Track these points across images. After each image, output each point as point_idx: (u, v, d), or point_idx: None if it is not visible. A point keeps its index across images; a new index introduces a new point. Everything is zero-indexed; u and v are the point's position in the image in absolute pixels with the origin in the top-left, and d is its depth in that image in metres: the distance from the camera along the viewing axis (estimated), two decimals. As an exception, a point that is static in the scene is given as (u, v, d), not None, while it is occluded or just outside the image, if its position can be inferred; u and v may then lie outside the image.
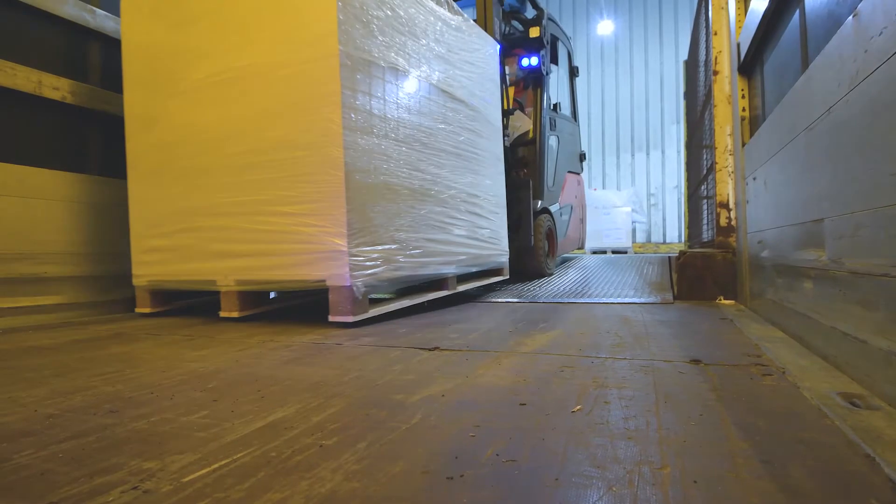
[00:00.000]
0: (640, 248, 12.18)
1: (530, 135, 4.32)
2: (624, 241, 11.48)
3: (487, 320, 2.37)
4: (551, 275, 4.28)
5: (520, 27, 4.73)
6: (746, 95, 2.82)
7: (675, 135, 12.23)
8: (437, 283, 2.89)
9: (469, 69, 3.17)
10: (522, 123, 4.36)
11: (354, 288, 2.13)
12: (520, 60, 4.31)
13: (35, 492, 0.72)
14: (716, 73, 3.13)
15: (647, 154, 12.51)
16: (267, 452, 0.84)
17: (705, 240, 5.54)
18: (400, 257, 2.41)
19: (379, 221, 2.28)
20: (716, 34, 3.12)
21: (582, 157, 5.67)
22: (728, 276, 3.09)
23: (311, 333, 2.06)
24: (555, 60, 4.96)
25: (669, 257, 5.85)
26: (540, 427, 0.93)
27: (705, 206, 5.91)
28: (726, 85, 3.06)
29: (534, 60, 4.22)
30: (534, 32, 4.25)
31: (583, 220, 5.66)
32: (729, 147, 3.13)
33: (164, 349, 1.79)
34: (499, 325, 2.21)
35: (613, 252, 11.55)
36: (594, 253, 11.71)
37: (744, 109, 2.81)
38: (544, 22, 4.42)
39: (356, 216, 2.14)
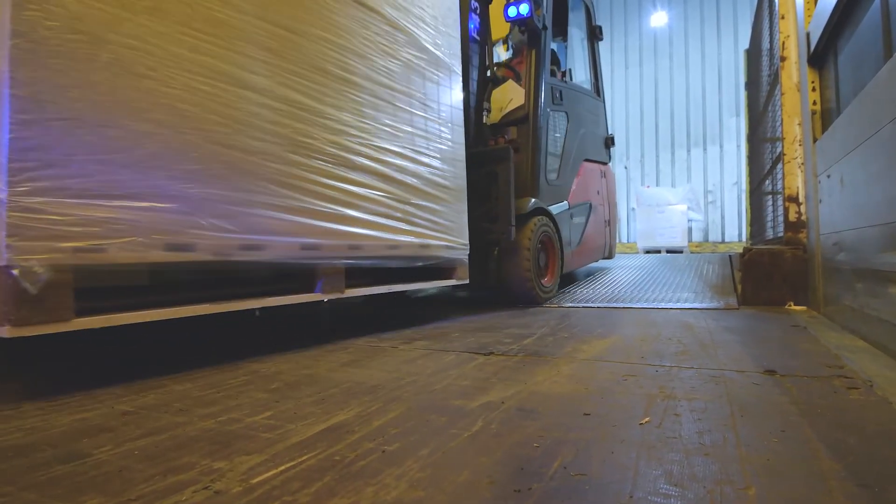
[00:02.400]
0: (696, 247, 11.73)
1: (523, 111, 3.32)
2: (679, 241, 11.08)
3: (541, 324, 2.33)
4: (548, 299, 3.14)
5: None
6: (817, 88, 2.65)
7: (735, 128, 11.70)
8: (307, 275, 1.88)
9: None
10: (516, 97, 3.41)
11: (17, 274, 1.14)
12: (506, 10, 3.16)
13: (113, 488, 0.75)
14: (783, 59, 2.97)
15: (705, 149, 12.03)
16: (331, 456, 0.85)
17: (770, 237, 5.27)
18: (186, 226, 1.44)
19: (98, 152, 1.27)
20: (783, 18, 2.95)
21: (608, 142, 4.51)
22: (798, 274, 2.91)
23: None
24: (561, 16, 3.93)
25: (730, 256, 5.60)
26: (607, 439, 0.90)
27: (770, 202, 5.63)
28: (794, 72, 2.89)
29: (523, 8, 3.09)
30: None
31: (610, 223, 4.50)
32: (798, 137, 2.95)
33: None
34: (553, 330, 2.16)
35: (668, 251, 11.18)
36: (647, 252, 11.37)
37: (814, 103, 2.64)
38: None
39: (39, 132, 1.17)
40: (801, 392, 1.16)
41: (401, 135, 2.12)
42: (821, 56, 2.59)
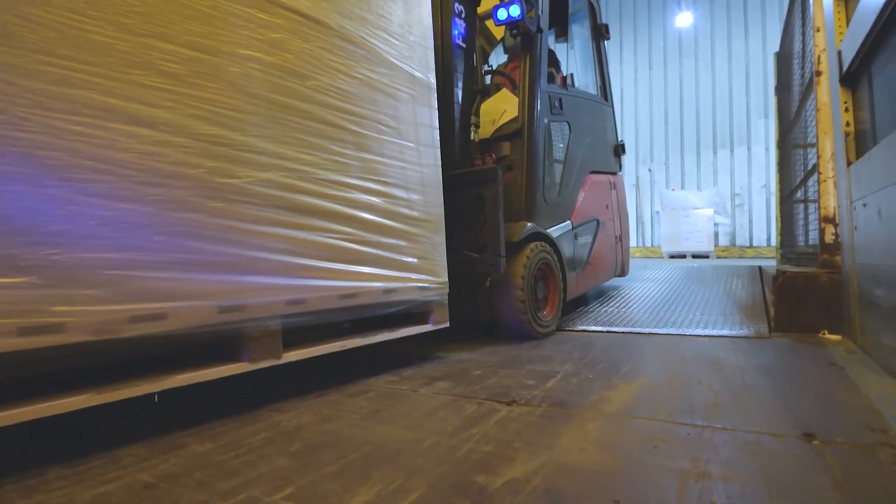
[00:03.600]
0: (723, 251, 11.48)
1: (517, 124, 2.96)
2: (705, 245, 10.86)
3: (563, 357, 2.28)
4: (547, 334, 2.81)
5: None
6: (850, 108, 2.54)
7: (763, 130, 11.40)
8: (230, 341, 1.53)
9: None
10: (510, 108, 3.09)
11: None
12: (495, 12, 2.82)
13: None
14: (818, 73, 2.85)
15: (732, 151, 11.75)
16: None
17: (800, 246, 5.10)
18: (49, 301, 1.16)
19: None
20: (818, 31, 2.84)
21: (618, 150, 4.15)
22: (834, 299, 2.80)
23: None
24: (561, 15, 3.55)
25: (760, 268, 5.45)
26: (639, 539, 0.85)
27: (800, 211, 5.45)
28: (830, 88, 2.79)
29: (513, 10, 2.73)
30: None
31: (621, 238, 4.12)
32: (834, 155, 2.83)
33: (248, 390, 1.85)
34: (577, 367, 2.11)
35: (694, 256, 10.96)
36: (672, 257, 11.17)
37: (847, 124, 2.53)
38: None
39: None
40: (843, 468, 1.09)
41: (356, 164, 1.76)
42: (854, 76, 2.48)
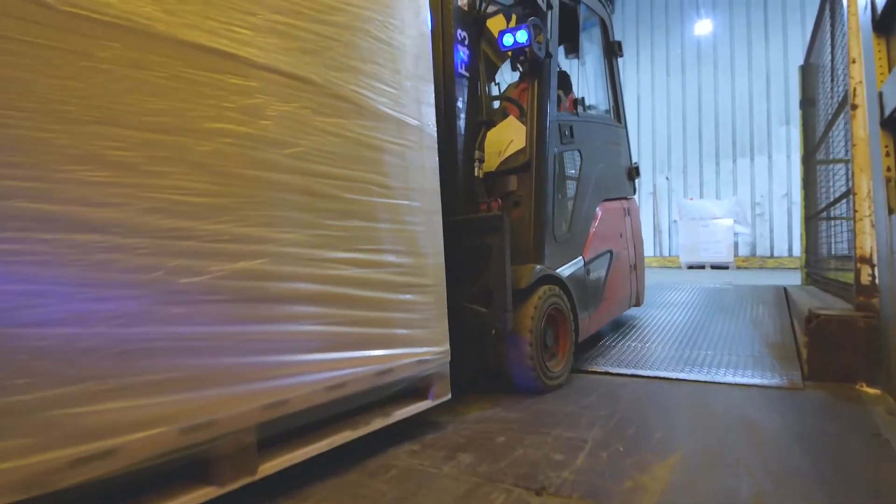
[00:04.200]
0: (743, 262, 11.23)
1: (524, 156, 2.72)
2: (725, 256, 10.63)
3: (590, 416, 2.18)
4: (556, 386, 2.56)
5: None
6: (892, 153, 2.40)
7: (785, 138, 11.14)
8: (195, 463, 1.26)
9: (329, 30, 1.52)
10: (517, 137, 2.84)
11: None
12: (500, 37, 2.62)
13: None
14: (854, 107, 2.72)
15: (752, 159, 11.49)
16: None
17: (829, 272, 4.93)
18: None
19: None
20: (853, 62, 2.70)
21: (632, 173, 3.92)
22: (871, 345, 2.67)
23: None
24: (572, 39, 3.36)
25: (785, 290, 5.29)
26: None
27: (825, 229, 5.28)
28: (867, 125, 2.66)
29: (520, 36, 2.53)
30: None
31: (636, 267, 3.84)
32: (869, 193, 2.71)
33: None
34: (605, 432, 2.01)
35: (713, 267, 10.74)
36: (690, 268, 10.96)
37: (889, 169, 2.40)
38: None
39: None
40: None
41: (344, 234, 1.50)
42: (896, 121, 2.36)
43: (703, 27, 11.45)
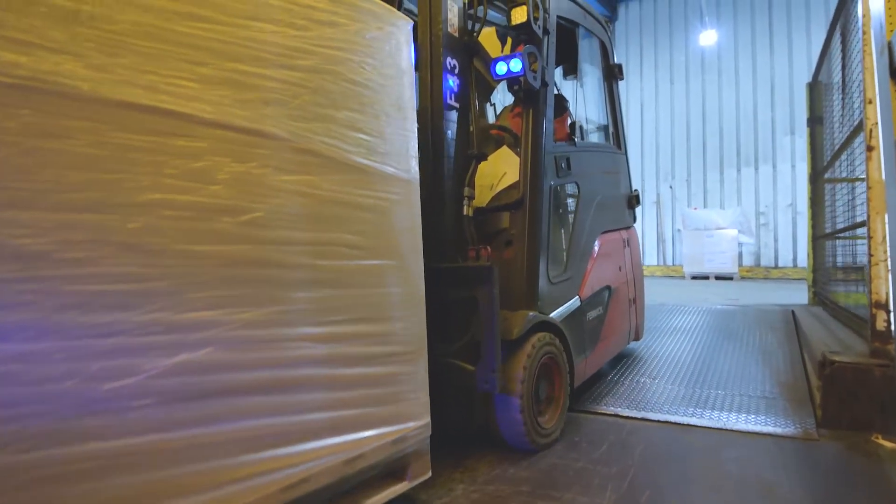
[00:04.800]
0: (747, 272, 10.99)
1: (517, 192, 2.48)
2: (729, 267, 10.41)
3: (602, 475, 1.99)
4: (548, 444, 2.29)
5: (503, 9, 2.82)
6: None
7: (790, 147, 10.89)
8: None
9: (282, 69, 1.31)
10: (510, 169, 2.60)
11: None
12: (493, 66, 2.43)
13: None
14: (870, 148, 2.53)
15: (756, 169, 11.25)
16: None
17: (837, 293, 4.73)
18: None
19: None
20: (870, 103, 2.51)
21: (632, 201, 3.66)
22: (888, 394, 2.49)
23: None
24: (570, 61, 3.17)
25: (794, 314, 5.07)
26: None
27: (831, 248, 5.08)
28: (882, 163, 2.47)
29: (514, 65, 2.34)
30: (518, 15, 2.41)
31: (636, 300, 3.58)
32: (885, 236, 2.52)
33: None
34: (620, 497, 1.83)
35: (717, 278, 10.51)
36: (694, 278, 10.73)
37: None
38: None
39: None
40: None
41: (310, 307, 1.29)
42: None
43: (708, 38, 11.19)
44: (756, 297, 7.13)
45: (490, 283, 2.04)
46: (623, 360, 3.71)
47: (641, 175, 12.49)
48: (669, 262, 12.14)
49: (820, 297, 5.63)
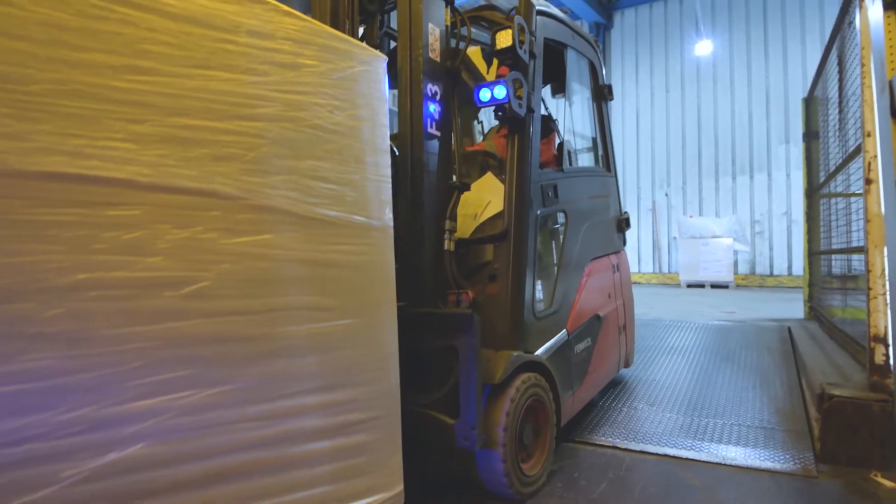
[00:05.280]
0: (742, 280, 10.88)
1: (502, 223, 2.31)
2: (725, 275, 10.30)
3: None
4: (531, 493, 2.13)
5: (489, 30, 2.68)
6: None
7: (784, 156, 10.78)
8: None
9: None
10: (495, 198, 2.44)
11: None
12: (476, 92, 2.26)
13: None
14: (869, 181, 2.41)
15: (751, 177, 11.14)
16: None
17: (833, 306, 4.62)
18: None
19: None
20: (868, 136, 2.40)
21: (622, 224, 3.47)
22: (887, 430, 2.39)
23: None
24: (559, 83, 3.02)
25: (790, 332, 4.96)
26: None
27: (827, 264, 4.97)
28: (882, 198, 2.37)
29: (498, 91, 2.18)
30: (502, 40, 2.25)
31: (625, 327, 3.38)
32: (884, 270, 2.42)
33: None
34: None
35: (713, 286, 10.40)
36: (690, 286, 10.61)
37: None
38: (534, 19, 2.46)
39: None
40: None
41: (266, 381, 1.16)
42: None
43: (704, 48, 11.07)
44: (752, 309, 7.02)
45: (471, 332, 1.88)
46: (621, 384, 3.60)
47: (637, 182, 12.39)
48: (665, 270, 12.02)
49: (816, 311, 5.53)
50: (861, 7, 2.43)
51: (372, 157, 1.50)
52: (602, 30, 12.79)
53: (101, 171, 0.96)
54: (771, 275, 10.82)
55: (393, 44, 2.69)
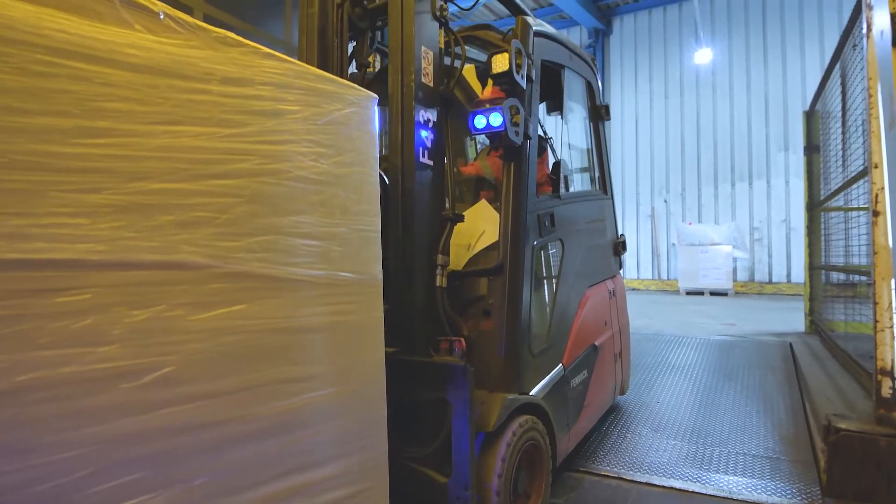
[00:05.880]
0: (741, 287, 10.76)
1: (497, 256, 2.17)
2: (724, 283, 10.19)
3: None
4: None
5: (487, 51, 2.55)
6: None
7: (783, 163, 10.66)
8: None
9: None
10: (489, 227, 2.29)
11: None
12: (471, 119, 2.11)
13: None
14: (876, 213, 2.30)
15: (750, 184, 11.02)
16: None
17: (834, 321, 4.50)
18: None
19: None
20: (876, 167, 2.28)
21: (618, 248, 3.33)
22: (894, 464, 2.31)
23: None
24: (555, 98, 2.87)
25: (792, 349, 4.84)
26: None
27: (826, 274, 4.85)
28: (890, 230, 2.26)
29: (494, 119, 2.04)
30: (499, 63, 2.11)
31: (621, 354, 3.25)
32: (892, 303, 2.31)
33: None
34: None
35: (712, 294, 10.29)
36: (689, 294, 10.49)
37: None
38: (531, 41, 2.33)
39: None
40: None
41: (239, 471, 1.04)
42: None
43: (703, 56, 10.92)
44: (752, 320, 6.90)
45: (464, 386, 1.74)
46: (625, 406, 3.49)
47: (636, 188, 12.27)
48: (664, 277, 11.90)
49: (817, 326, 5.42)
50: (869, 38, 2.32)
51: (359, 206, 1.37)
52: (601, 35, 12.66)
53: (47, 254, 0.83)
54: (770, 282, 10.70)
55: (383, 59, 2.57)
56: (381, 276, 1.42)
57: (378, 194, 1.43)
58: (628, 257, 12.75)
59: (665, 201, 11.98)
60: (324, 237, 1.26)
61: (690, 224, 11.20)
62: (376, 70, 2.83)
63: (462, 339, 1.96)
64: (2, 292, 0.79)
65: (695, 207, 11.60)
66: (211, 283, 1.04)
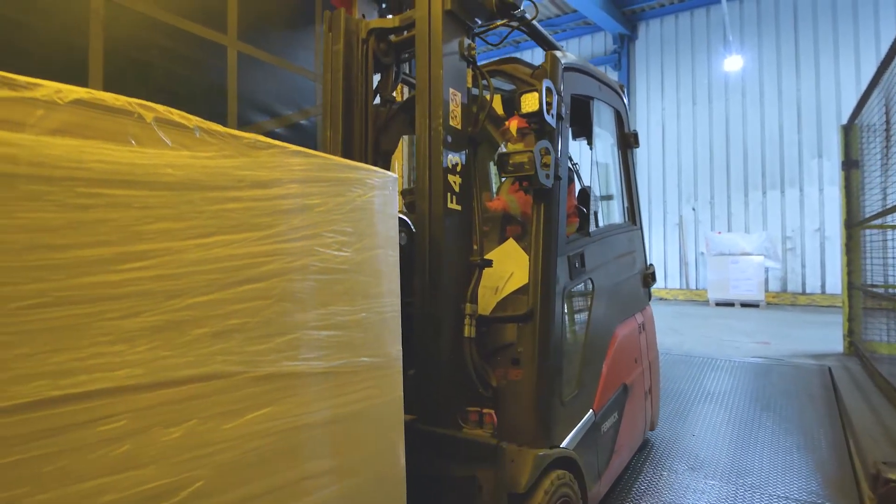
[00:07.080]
0: (774, 298, 10.41)
1: (527, 302, 2.05)
2: (755, 294, 9.87)
3: None
4: None
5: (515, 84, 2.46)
6: None
7: (817, 171, 10.28)
8: None
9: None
10: (518, 269, 2.19)
11: None
12: (500, 161, 2.08)
13: None
14: None
15: (782, 192, 10.65)
16: None
17: (874, 342, 4.31)
18: None
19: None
20: None
21: (648, 280, 3.20)
22: None
23: None
24: (582, 125, 2.73)
25: (830, 371, 4.65)
26: None
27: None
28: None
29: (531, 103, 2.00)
30: (529, 103, 2.02)
31: (651, 391, 3.11)
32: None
33: None
34: None
35: (742, 305, 9.98)
36: (719, 305, 10.21)
37: None
38: (559, 77, 2.22)
39: None
40: None
41: None
42: None
43: (733, 63, 10.59)
44: (787, 336, 6.65)
45: (496, 464, 1.66)
46: (659, 440, 3.40)
47: (663, 196, 12.02)
48: (693, 286, 11.61)
49: (856, 348, 5.20)
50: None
51: (379, 287, 1.37)
52: (626, 41, 12.46)
53: (88, 386, 0.85)
54: (803, 293, 10.32)
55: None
56: (400, 356, 1.42)
57: (398, 274, 1.43)
58: (655, 266, 12.43)
59: (693, 209, 11.70)
60: (346, 326, 1.27)
61: (720, 233, 10.89)
62: (403, 99, 2.81)
63: (493, 413, 1.89)
64: (45, 431, 0.81)
65: (724, 216, 11.29)
66: (241, 389, 1.05)
